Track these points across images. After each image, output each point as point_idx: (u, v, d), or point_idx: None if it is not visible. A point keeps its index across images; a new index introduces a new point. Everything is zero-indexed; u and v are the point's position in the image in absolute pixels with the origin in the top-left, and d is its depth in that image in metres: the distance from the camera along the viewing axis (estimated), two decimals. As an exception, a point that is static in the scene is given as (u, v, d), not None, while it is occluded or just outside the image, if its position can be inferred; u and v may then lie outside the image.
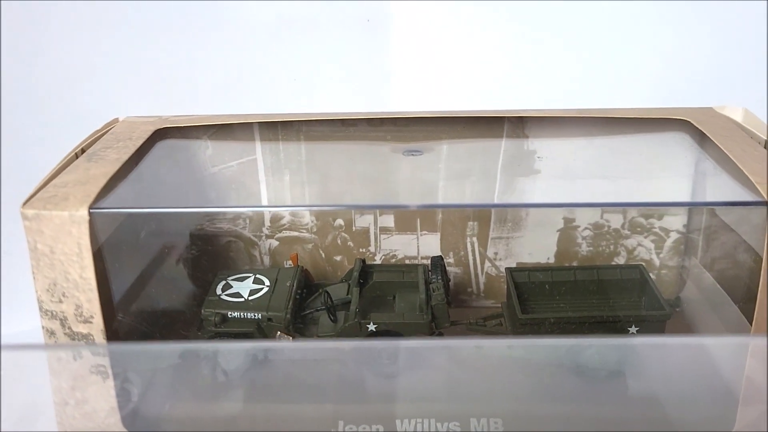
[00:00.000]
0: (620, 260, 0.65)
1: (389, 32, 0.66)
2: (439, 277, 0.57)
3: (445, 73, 0.66)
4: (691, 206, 0.59)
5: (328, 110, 0.62)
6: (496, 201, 0.54)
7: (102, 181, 0.48)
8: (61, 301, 0.47)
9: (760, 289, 0.45)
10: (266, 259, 0.67)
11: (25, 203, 0.46)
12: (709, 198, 0.52)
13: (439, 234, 0.66)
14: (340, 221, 0.66)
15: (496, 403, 0.52)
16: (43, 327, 0.49)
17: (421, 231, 0.66)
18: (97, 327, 0.48)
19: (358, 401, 0.51)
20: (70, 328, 0.48)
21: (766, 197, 0.43)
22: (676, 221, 0.64)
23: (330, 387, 0.52)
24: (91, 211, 0.45)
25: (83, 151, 0.55)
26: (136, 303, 0.54)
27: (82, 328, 0.48)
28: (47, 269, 0.46)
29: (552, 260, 0.66)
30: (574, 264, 0.65)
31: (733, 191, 0.47)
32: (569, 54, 0.65)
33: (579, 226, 0.65)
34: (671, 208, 0.63)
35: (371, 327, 0.54)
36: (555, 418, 0.52)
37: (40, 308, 0.48)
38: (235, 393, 0.51)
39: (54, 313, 0.48)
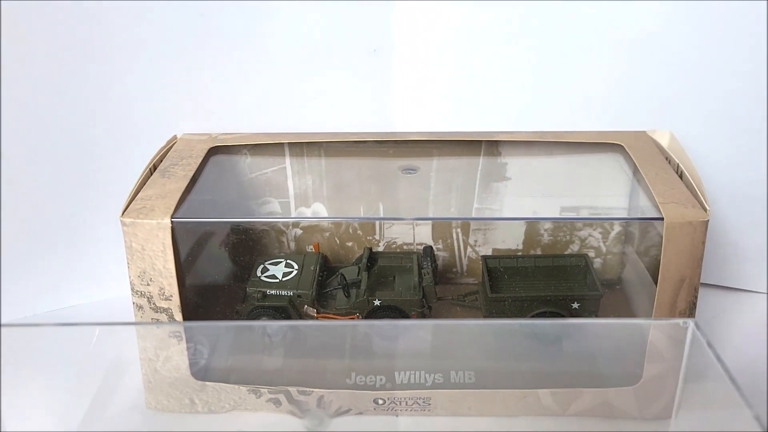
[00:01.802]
0: (575, 248, 0.82)
1: (393, 60, 0.81)
2: (429, 263, 0.74)
3: (436, 99, 0.81)
4: (609, 221, 0.75)
5: (343, 130, 0.78)
6: (473, 213, 0.71)
7: (177, 195, 0.64)
8: (148, 285, 0.64)
9: (659, 282, 0.61)
10: (292, 245, 0.84)
11: (123, 213, 0.62)
12: (629, 213, 0.68)
13: (430, 225, 0.82)
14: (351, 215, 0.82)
15: (470, 361, 0.68)
16: (133, 303, 0.65)
17: (416, 223, 0.82)
18: (174, 303, 0.64)
19: (366, 358, 0.68)
20: (154, 304, 0.65)
21: (662, 214, 0.59)
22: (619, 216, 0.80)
23: (345, 348, 0.68)
24: (172, 220, 0.62)
25: (155, 167, 0.71)
26: (198, 283, 0.70)
27: (163, 304, 0.65)
28: (139, 261, 0.63)
29: (520, 247, 0.82)
30: (537, 251, 0.81)
31: (645, 204, 0.63)
32: (537, 79, 0.80)
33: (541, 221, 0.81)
34: (615, 208, 0.79)
35: (376, 302, 0.71)
36: (514, 371, 0.69)
37: (132, 289, 0.64)
38: (277, 351, 0.68)
39: (143, 293, 0.64)
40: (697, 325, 0.49)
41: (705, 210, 0.60)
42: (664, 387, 0.62)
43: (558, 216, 0.67)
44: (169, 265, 0.62)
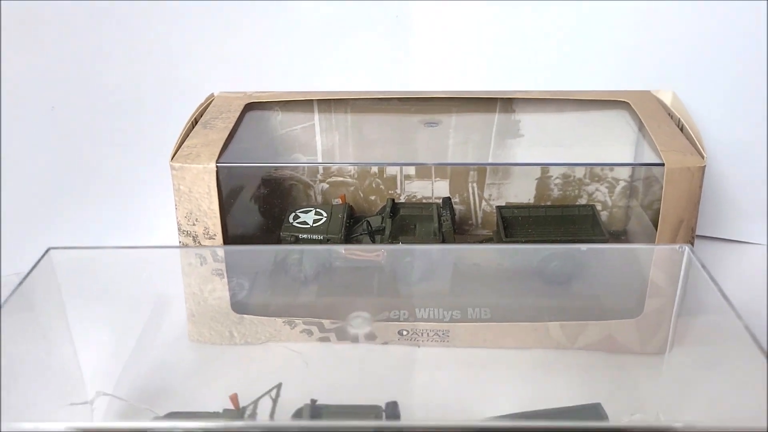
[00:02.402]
0: (582, 201, 0.88)
1: (414, 25, 0.87)
2: (448, 212, 0.80)
3: (455, 61, 0.87)
4: (614, 165, 0.80)
5: (368, 89, 0.84)
6: (490, 160, 0.76)
7: (219, 144, 0.71)
8: (194, 225, 0.70)
9: (659, 224, 0.67)
10: (319, 198, 0.90)
11: (172, 158, 0.69)
12: (637, 160, 0.74)
13: (448, 180, 0.88)
14: (375, 170, 0.88)
15: (485, 298, 0.75)
16: (179, 242, 0.72)
17: (435, 178, 0.88)
18: (218, 242, 0.71)
19: (391, 296, 0.75)
20: (199, 242, 0.71)
21: (663, 160, 0.65)
22: (624, 172, 0.86)
23: (373, 286, 0.75)
24: (216, 165, 0.68)
25: (196, 121, 0.77)
26: (237, 224, 0.77)
27: (207, 243, 0.71)
28: (186, 203, 0.69)
29: (531, 200, 0.88)
30: (547, 203, 0.87)
31: (649, 154, 0.69)
32: (550, 42, 0.86)
33: (552, 176, 0.87)
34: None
35: (401, 246, 0.77)
36: (527, 307, 0.75)
37: (179, 229, 0.71)
38: (310, 287, 0.74)
39: (189, 232, 0.71)
40: (692, 249, 0.55)
41: (702, 157, 0.65)
42: (664, 319, 0.68)
43: (569, 162, 0.73)
44: (213, 206, 0.69)
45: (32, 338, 0.56)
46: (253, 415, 0.54)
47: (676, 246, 0.56)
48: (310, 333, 0.73)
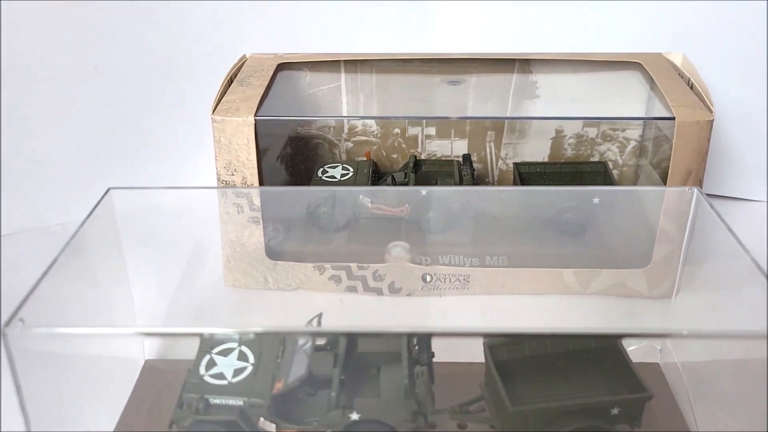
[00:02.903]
0: (594, 160, 0.92)
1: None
2: (468, 168, 0.85)
3: (475, 25, 0.91)
4: (628, 120, 0.84)
5: (392, 51, 0.88)
6: (508, 114, 0.81)
7: (256, 99, 0.75)
8: (233, 174, 0.75)
9: (669, 175, 0.71)
10: (343, 157, 0.94)
11: (213, 112, 0.73)
12: (649, 115, 0.78)
13: (467, 140, 0.93)
14: (397, 130, 0.93)
15: (503, 246, 0.79)
16: (218, 190, 0.76)
17: (454, 137, 0.93)
18: (254, 191, 0.75)
19: (416, 244, 0.79)
20: (237, 190, 0.76)
21: (674, 114, 0.70)
22: (634, 133, 0.90)
23: (399, 236, 0.79)
24: (255, 118, 0.73)
25: (231, 79, 0.81)
26: (271, 175, 0.81)
27: (244, 190, 0.76)
28: (226, 154, 0.74)
29: (546, 159, 0.93)
30: (561, 161, 0.92)
31: (660, 111, 0.74)
32: (568, 9, 0.90)
33: (566, 135, 0.91)
34: (631, 123, 0.89)
35: (423, 192, 0.82)
36: (542, 254, 0.80)
37: (218, 179, 0.75)
38: (340, 236, 0.79)
39: (228, 182, 0.75)
40: (701, 191, 0.59)
41: (711, 111, 0.70)
42: (672, 265, 0.73)
43: (584, 116, 0.77)
44: (251, 157, 0.73)
45: (93, 275, 0.61)
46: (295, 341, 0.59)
47: (686, 188, 0.61)
48: (338, 280, 0.78)
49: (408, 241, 0.79)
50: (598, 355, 0.60)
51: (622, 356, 0.59)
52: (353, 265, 0.77)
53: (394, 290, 0.79)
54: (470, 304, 0.79)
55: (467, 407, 0.57)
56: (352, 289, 0.79)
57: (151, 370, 0.67)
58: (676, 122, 0.69)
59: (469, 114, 0.84)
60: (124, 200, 0.61)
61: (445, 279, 0.78)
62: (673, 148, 0.70)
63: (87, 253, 0.59)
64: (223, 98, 0.76)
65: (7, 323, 0.44)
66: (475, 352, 0.63)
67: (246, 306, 0.78)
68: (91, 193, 0.62)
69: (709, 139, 0.70)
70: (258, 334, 0.60)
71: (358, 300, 0.79)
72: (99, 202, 0.59)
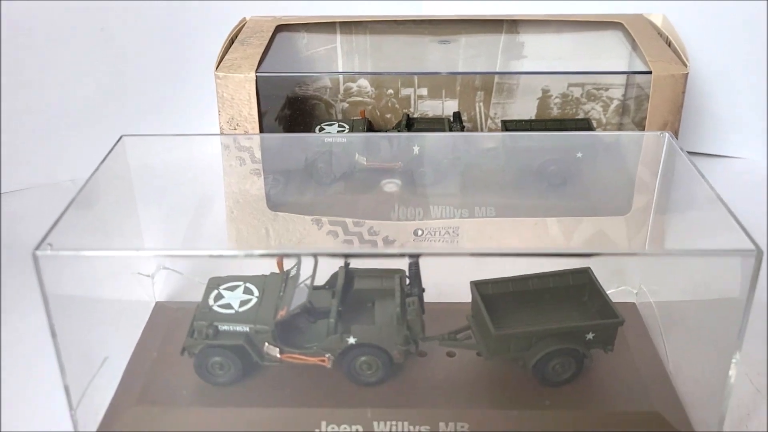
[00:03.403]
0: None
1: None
2: (458, 124, 0.89)
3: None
4: (607, 74, 0.88)
5: (386, 13, 0.92)
6: (496, 77, 0.85)
7: (257, 57, 0.79)
8: (235, 129, 0.79)
9: (646, 126, 0.76)
10: (339, 116, 0.99)
11: (216, 68, 0.77)
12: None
13: (457, 100, 0.97)
14: (390, 90, 0.97)
15: (491, 198, 0.84)
16: (221, 143, 0.81)
17: (445, 98, 0.97)
18: (255, 142, 0.80)
19: (408, 195, 0.83)
20: (239, 144, 0.80)
21: (650, 69, 0.74)
22: (617, 92, 0.94)
23: (392, 191, 0.84)
24: (256, 74, 0.77)
25: (233, 40, 0.85)
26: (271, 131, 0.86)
27: (246, 143, 0.80)
28: (229, 108, 0.78)
29: (533, 118, 0.97)
30: (548, 119, 0.96)
31: (639, 67, 0.78)
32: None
33: (552, 95, 0.95)
34: (614, 83, 0.93)
35: (415, 150, 0.86)
36: (528, 206, 0.84)
37: (221, 132, 0.80)
38: (336, 189, 0.83)
39: (230, 135, 0.79)
40: (672, 136, 0.64)
41: (686, 66, 0.74)
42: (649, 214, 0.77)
43: (568, 71, 0.82)
44: (253, 112, 0.77)
45: (106, 218, 0.65)
46: (296, 278, 0.63)
47: (658, 132, 0.65)
48: (335, 234, 0.83)
49: (401, 195, 0.83)
50: (575, 290, 0.65)
51: (597, 290, 0.64)
52: (349, 221, 0.82)
53: (388, 242, 0.83)
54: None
55: (455, 335, 0.62)
56: (349, 243, 0.83)
57: (161, 311, 0.71)
58: (652, 76, 0.73)
59: (460, 70, 0.88)
60: (135, 149, 0.65)
61: (435, 232, 0.83)
62: (650, 100, 0.74)
63: (101, 198, 0.63)
64: (225, 56, 0.80)
65: (37, 247, 0.48)
66: (462, 296, 0.68)
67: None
68: (98, 151, 0.66)
69: (683, 92, 0.74)
70: (262, 275, 0.65)
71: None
72: (112, 149, 0.63)
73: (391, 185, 0.75)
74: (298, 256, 0.63)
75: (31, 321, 0.71)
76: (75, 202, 0.56)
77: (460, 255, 0.54)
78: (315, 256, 0.61)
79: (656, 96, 0.74)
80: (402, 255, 0.58)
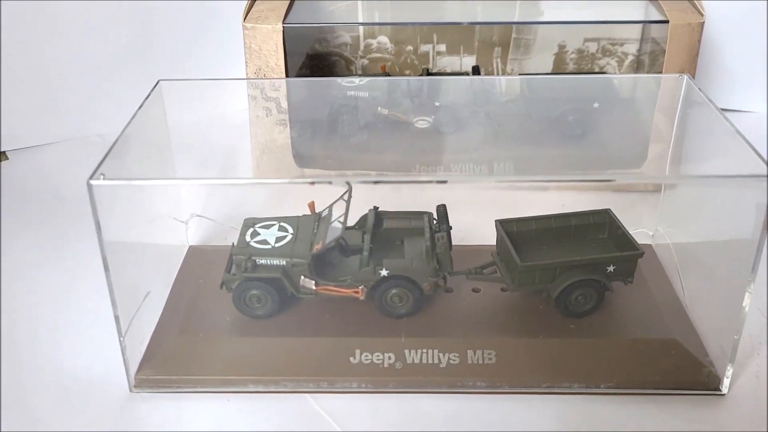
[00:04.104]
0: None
1: None
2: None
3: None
4: (625, 23, 0.90)
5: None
6: (513, 29, 0.87)
7: (283, 9, 0.81)
8: (264, 77, 0.81)
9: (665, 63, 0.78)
10: (359, 72, 1.01)
11: (244, 19, 0.79)
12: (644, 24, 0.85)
13: (475, 56, 0.99)
14: (409, 47, 0.99)
15: (509, 151, 0.86)
16: (248, 94, 0.83)
17: (463, 53, 0.99)
18: (282, 94, 0.82)
19: (429, 153, 0.86)
20: (266, 94, 0.82)
21: (667, 18, 0.76)
22: (632, 47, 0.96)
23: (413, 146, 0.86)
24: (283, 25, 0.79)
25: (259, -8, 0.87)
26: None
27: (273, 94, 0.82)
28: (256, 59, 0.80)
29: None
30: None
31: (656, 15, 0.80)
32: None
33: (568, 51, 0.97)
34: (629, 38, 0.95)
35: (437, 103, 0.88)
36: (545, 157, 0.87)
37: (249, 83, 0.82)
38: (360, 141, 0.86)
39: (257, 85, 0.82)
40: (691, 78, 0.66)
41: (702, 15, 0.76)
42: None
43: (585, 20, 0.84)
44: (280, 63, 0.80)
45: (143, 161, 0.68)
46: (328, 218, 0.66)
47: (677, 75, 0.67)
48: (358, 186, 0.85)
49: (422, 147, 0.86)
50: (596, 228, 0.67)
51: (617, 228, 0.66)
52: (372, 173, 0.84)
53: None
54: (481, 199, 0.86)
55: (481, 270, 0.65)
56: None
57: (195, 253, 0.74)
58: (669, 25, 0.75)
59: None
60: (172, 94, 0.67)
61: (456, 181, 0.85)
62: (666, 49, 0.76)
63: (139, 141, 0.66)
64: (252, 8, 0.82)
65: (92, 176, 0.51)
66: (485, 239, 0.71)
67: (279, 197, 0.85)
68: (122, 105, 0.68)
69: (699, 41, 0.76)
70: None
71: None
72: (150, 93, 0.65)
73: (422, 122, 0.77)
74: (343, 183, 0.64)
75: (69, 265, 0.75)
76: (117, 144, 0.58)
77: (487, 182, 0.56)
78: (348, 183, 0.63)
79: (673, 45, 0.76)
80: (430, 182, 0.60)
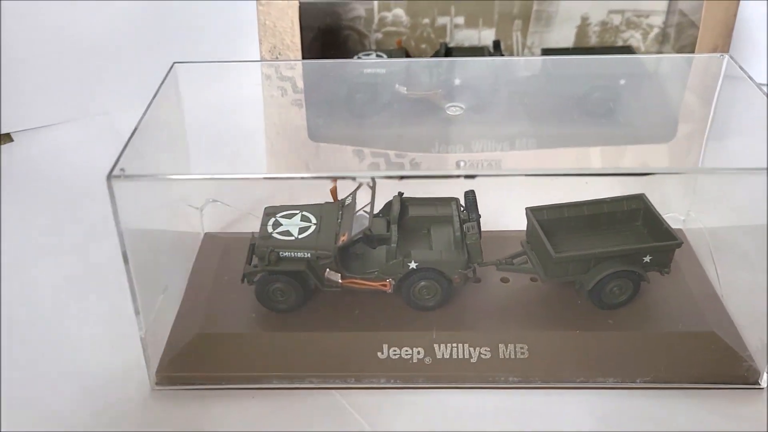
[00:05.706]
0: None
1: None
2: (498, 54, 0.88)
3: None
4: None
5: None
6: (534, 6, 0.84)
7: (300, -16, 0.78)
8: (277, 58, 0.78)
9: (696, 50, 0.75)
10: (373, 47, 0.97)
11: (258, -4, 0.76)
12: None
13: (494, 29, 0.95)
14: (426, 20, 0.95)
15: (532, 128, 0.83)
16: (262, 73, 0.80)
17: (481, 27, 0.95)
18: (297, 72, 0.79)
19: (449, 134, 0.83)
20: (281, 73, 0.79)
21: (703, -8, 0.72)
22: (657, 20, 0.93)
23: (433, 121, 0.83)
24: (300, 0, 0.75)
25: (270, -34, 0.83)
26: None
27: (288, 73, 0.79)
28: (271, 37, 0.77)
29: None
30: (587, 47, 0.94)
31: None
32: None
33: (591, 23, 0.94)
34: (655, 10, 0.91)
35: (457, 81, 0.85)
36: (570, 135, 0.84)
37: (263, 61, 0.79)
38: (377, 120, 0.83)
39: (271, 64, 0.78)
40: (731, 57, 0.63)
41: (738, -12, 0.73)
42: (695, 140, 0.77)
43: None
44: (295, 40, 0.76)
45: (161, 147, 0.65)
46: (352, 206, 0.63)
47: (718, 54, 0.64)
48: (377, 167, 0.83)
49: (442, 126, 0.83)
50: (630, 215, 0.65)
51: (652, 215, 0.64)
52: (391, 153, 0.81)
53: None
54: (503, 184, 0.83)
55: (511, 260, 0.63)
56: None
57: (210, 241, 0.72)
58: (705, 2, 0.72)
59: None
60: (187, 77, 0.64)
61: (477, 164, 0.82)
62: (701, 23, 0.73)
63: (156, 126, 0.63)
64: (267, -17, 0.78)
65: (111, 172, 0.48)
66: (511, 224, 0.68)
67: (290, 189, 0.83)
68: (128, 84, 0.65)
69: (735, 15, 0.73)
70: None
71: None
72: (166, 77, 0.62)
73: (455, 108, 0.74)
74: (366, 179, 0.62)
75: (80, 253, 0.72)
76: (138, 131, 0.56)
77: (516, 175, 0.54)
78: (373, 178, 0.61)
79: (708, 18, 0.73)
80: (458, 176, 0.57)
